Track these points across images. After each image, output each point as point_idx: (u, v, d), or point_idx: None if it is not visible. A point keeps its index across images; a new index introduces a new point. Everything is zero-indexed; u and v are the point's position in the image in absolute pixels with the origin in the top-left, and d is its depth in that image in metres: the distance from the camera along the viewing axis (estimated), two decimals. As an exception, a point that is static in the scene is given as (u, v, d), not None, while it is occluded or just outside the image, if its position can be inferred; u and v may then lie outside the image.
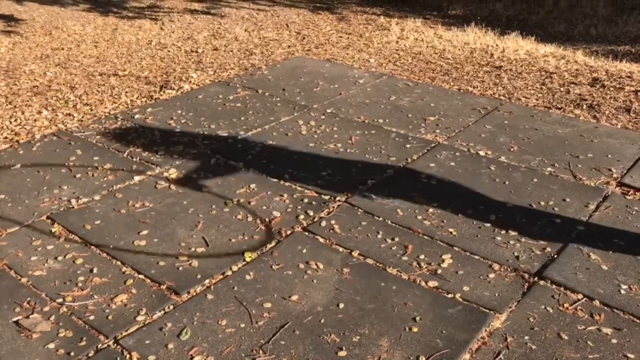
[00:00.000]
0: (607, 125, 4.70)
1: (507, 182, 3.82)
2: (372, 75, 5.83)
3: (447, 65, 6.31)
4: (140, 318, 2.71)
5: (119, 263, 3.09)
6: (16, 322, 2.68)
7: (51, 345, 2.54)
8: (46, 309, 2.76)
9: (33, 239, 3.27)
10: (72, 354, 2.50)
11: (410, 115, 4.87)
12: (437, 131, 4.58)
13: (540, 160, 4.11)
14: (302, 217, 3.48)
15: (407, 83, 5.63)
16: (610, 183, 3.82)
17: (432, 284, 2.92)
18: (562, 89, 5.56)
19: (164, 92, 5.41)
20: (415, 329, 2.64)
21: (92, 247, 3.21)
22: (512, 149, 4.26)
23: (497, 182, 3.82)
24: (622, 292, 2.85)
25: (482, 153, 4.21)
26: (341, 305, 2.78)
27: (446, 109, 5.00)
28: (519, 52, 6.85)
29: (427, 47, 7.08)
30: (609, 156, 4.16)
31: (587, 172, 3.96)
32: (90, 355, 2.50)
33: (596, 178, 3.88)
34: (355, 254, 3.15)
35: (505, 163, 4.07)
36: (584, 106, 5.11)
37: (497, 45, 7.15)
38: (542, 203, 3.59)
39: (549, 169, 4.00)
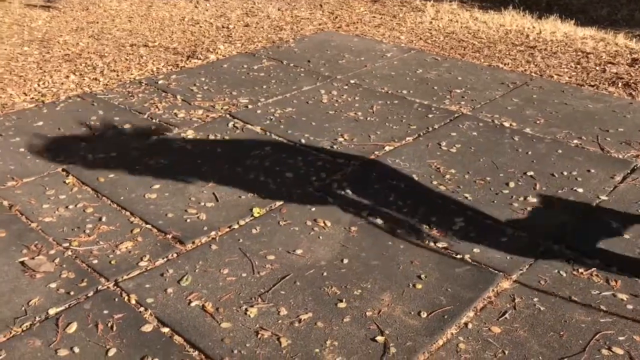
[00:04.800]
0: (643, 103, 4.49)
1: (529, 152, 3.68)
2: (400, 50, 5.72)
3: (479, 44, 6.15)
4: (142, 264, 2.70)
5: (128, 213, 3.09)
6: (22, 263, 2.70)
7: (52, 285, 2.56)
8: (52, 252, 2.78)
9: (47, 188, 3.31)
10: (71, 293, 2.51)
11: (435, 88, 4.75)
12: (462, 103, 4.45)
13: (567, 132, 3.95)
14: (314, 178, 3.42)
15: (435, 58, 5.50)
16: (640, 156, 3.64)
17: (441, 244, 2.83)
18: (597, 68, 5.34)
19: (190, 61, 5.43)
20: (419, 286, 2.56)
21: (104, 198, 3.23)
22: (538, 122, 4.11)
23: (519, 152, 3.68)
24: (643, 260, 2.70)
25: (506, 124, 4.07)
26: (345, 261, 2.72)
27: (473, 82, 4.86)
28: (556, 34, 6.63)
29: (461, 27, 6.91)
30: (642, 131, 3.97)
31: (616, 145, 3.78)
32: (89, 295, 2.51)
33: (625, 151, 3.70)
34: (364, 214, 3.08)
35: (530, 134, 3.92)
36: (620, 84, 4.89)
37: (533, 27, 6.93)
38: (565, 173, 3.44)
39: (575, 141, 3.84)
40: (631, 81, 4.96)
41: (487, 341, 2.26)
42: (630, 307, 2.42)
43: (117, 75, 5.05)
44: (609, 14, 7.80)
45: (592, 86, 4.87)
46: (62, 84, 4.86)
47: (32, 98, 4.56)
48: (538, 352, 2.21)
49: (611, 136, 3.90)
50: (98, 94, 4.61)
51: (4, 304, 2.45)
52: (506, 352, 2.21)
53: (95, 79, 4.98)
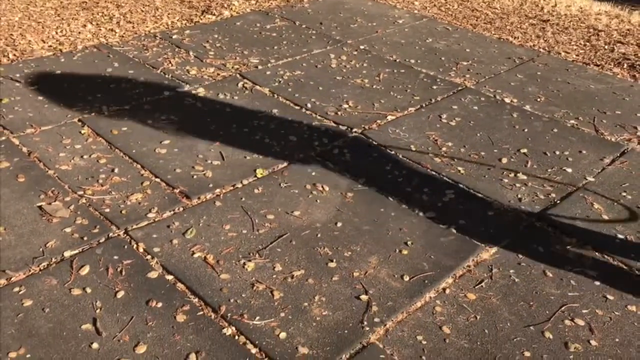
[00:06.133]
0: (644, 86, 4.59)
1: (526, 130, 3.82)
2: (412, 17, 5.78)
3: (492, 15, 6.19)
4: (151, 215, 2.91)
5: (139, 166, 3.29)
6: (39, 207, 2.92)
7: (67, 230, 2.78)
8: (67, 198, 2.99)
9: (63, 137, 3.50)
10: (85, 238, 2.73)
11: (443, 59, 4.85)
12: (467, 76, 4.56)
13: (565, 112, 4.07)
14: (316, 143, 3.59)
15: (446, 27, 5.57)
16: (632, 140, 3.77)
17: (430, 214, 3.02)
18: (606, 47, 5.40)
19: (204, 16, 5.53)
20: (405, 252, 2.76)
21: (117, 150, 3.42)
22: (538, 99, 4.23)
23: (516, 129, 3.83)
24: (617, 241, 2.88)
25: (507, 100, 4.20)
26: (339, 224, 2.92)
27: (481, 55, 4.96)
28: (571, 7, 6.63)
29: (477, -5, 6.91)
30: (638, 115, 4.08)
31: (611, 127, 3.91)
32: (101, 241, 2.73)
33: (619, 134, 3.83)
34: (361, 180, 3.26)
35: (529, 112, 4.05)
36: (625, 65, 4.97)
37: (549, -1, 6.93)
38: (557, 152, 3.59)
39: (572, 121, 3.97)
40: (637, 63, 5.03)
41: (461, 306, 2.47)
42: (597, 283, 2.62)
43: (133, 27, 5.18)
44: (628, -11, 7.74)
45: (598, 66, 4.95)
46: (80, 33, 4.99)
47: (50, 46, 4.71)
48: (507, 319, 2.42)
49: (607, 118, 4.02)
50: (114, 45, 4.75)
51: (24, 245, 2.68)
52: (478, 317, 2.42)
53: (112, 29, 5.11)
